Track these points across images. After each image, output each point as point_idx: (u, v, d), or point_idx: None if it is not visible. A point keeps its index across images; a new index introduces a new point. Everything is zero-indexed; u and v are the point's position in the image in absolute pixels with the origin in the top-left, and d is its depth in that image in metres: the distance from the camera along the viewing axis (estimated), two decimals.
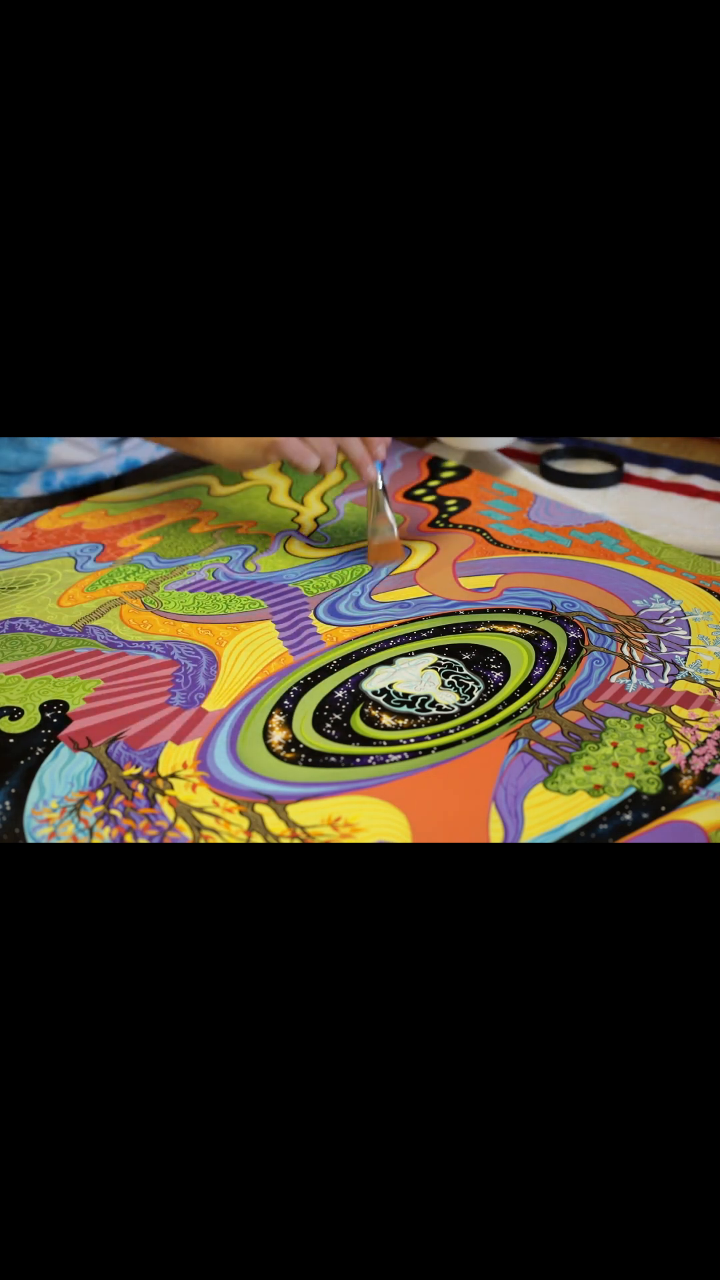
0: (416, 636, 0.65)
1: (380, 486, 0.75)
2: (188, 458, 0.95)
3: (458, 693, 0.59)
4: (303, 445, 0.73)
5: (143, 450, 0.95)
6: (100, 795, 0.51)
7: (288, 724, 0.57)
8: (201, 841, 0.48)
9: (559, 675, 0.61)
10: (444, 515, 0.83)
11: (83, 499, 0.88)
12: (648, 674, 0.61)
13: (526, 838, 0.48)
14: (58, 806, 0.50)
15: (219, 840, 0.48)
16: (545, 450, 0.95)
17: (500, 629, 0.66)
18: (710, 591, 0.70)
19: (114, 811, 0.50)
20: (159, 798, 0.51)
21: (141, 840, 0.48)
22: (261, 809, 0.50)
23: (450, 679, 0.61)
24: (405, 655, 0.63)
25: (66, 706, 0.58)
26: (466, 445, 0.96)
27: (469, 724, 0.56)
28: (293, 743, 0.55)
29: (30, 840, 0.48)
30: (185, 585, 0.72)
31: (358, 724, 0.57)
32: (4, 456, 0.86)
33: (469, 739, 0.55)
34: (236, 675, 0.61)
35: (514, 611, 0.68)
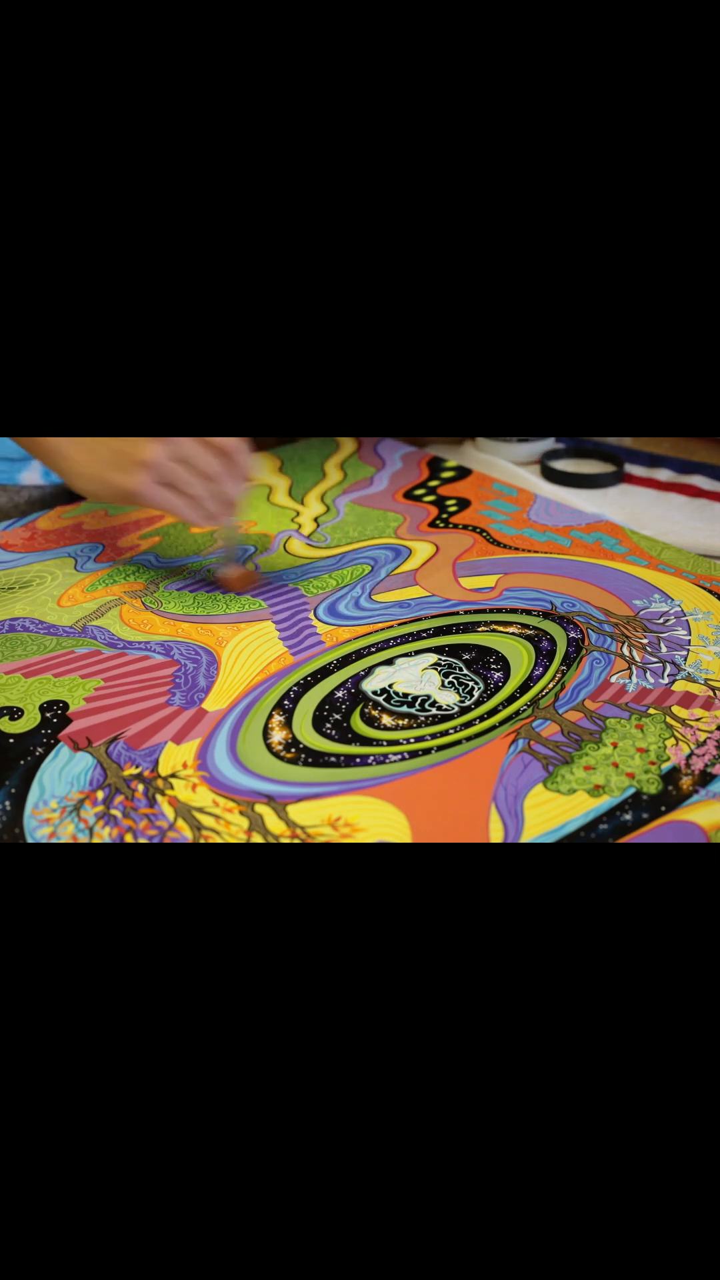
0: (416, 636, 0.65)
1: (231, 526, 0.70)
2: None
3: (458, 693, 0.59)
4: (169, 495, 0.63)
5: None
6: (100, 795, 0.51)
7: (288, 724, 0.57)
8: (201, 841, 0.48)
9: (559, 675, 0.61)
10: (444, 515, 0.83)
11: (78, 499, 0.88)
12: (648, 674, 0.61)
13: (526, 838, 0.48)
14: (58, 806, 0.50)
15: (219, 840, 0.48)
16: (544, 453, 0.95)
17: (500, 629, 0.66)
18: (710, 591, 0.70)
19: (114, 811, 0.50)
20: (159, 798, 0.51)
21: (141, 840, 0.48)
22: (261, 809, 0.50)
23: (450, 679, 0.60)
24: (405, 655, 0.63)
25: (66, 706, 0.58)
26: (483, 457, 0.96)
27: (469, 724, 0.56)
28: (293, 743, 0.55)
29: (30, 840, 0.48)
30: (185, 585, 0.72)
31: (358, 724, 0.57)
32: (4, 443, 0.86)
33: (469, 739, 0.55)
34: (236, 675, 0.61)
35: (514, 611, 0.68)
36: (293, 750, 0.55)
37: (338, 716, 0.57)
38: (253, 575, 0.72)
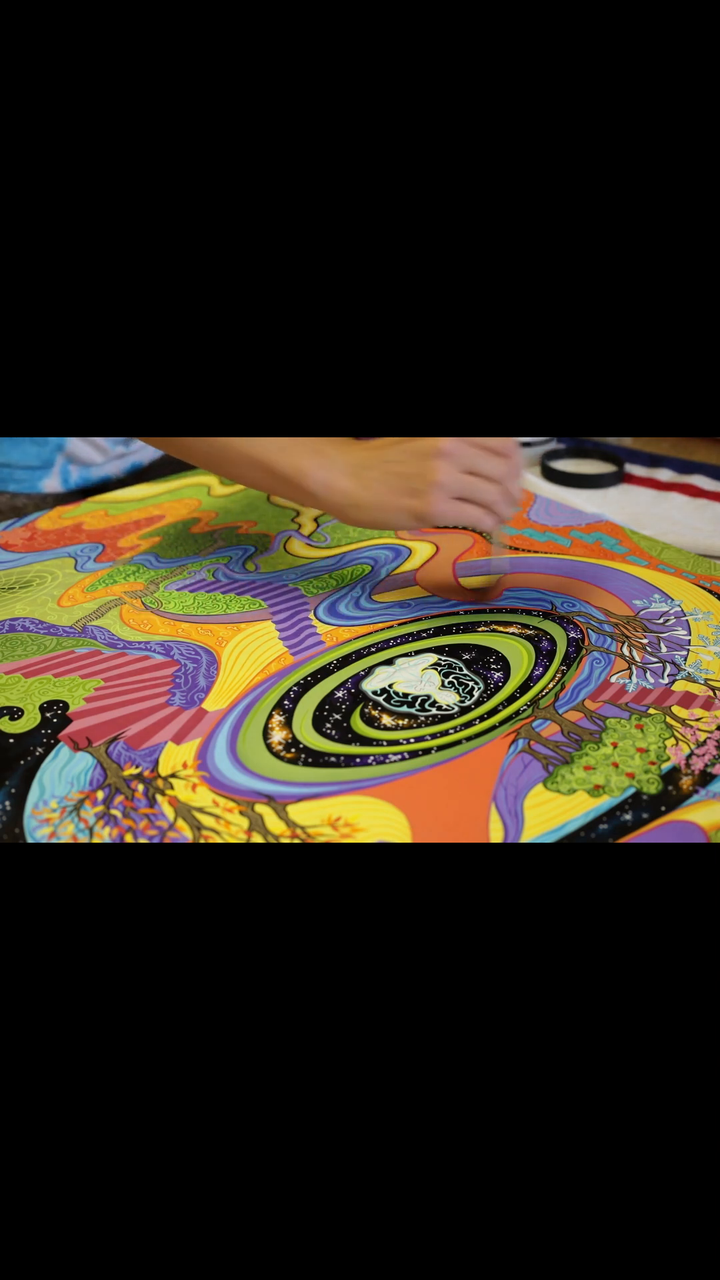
0: (416, 636, 0.65)
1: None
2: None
3: (458, 693, 0.59)
4: (463, 507, 0.62)
5: (144, 453, 0.95)
6: (100, 795, 0.51)
7: (288, 724, 0.57)
8: (201, 841, 0.48)
9: (559, 675, 0.61)
10: None
11: (85, 499, 0.88)
12: (648, 674, 0.61)
13: (526, 838, 0.48)
14: (58, 806, 0.50)
15: (219, 840, 0.48)
16: (546, 452, 0.95)
17: (500, 629, 0.66)
18: (710, 591, 0.70)
19: (114, 811, 0.50)
20: (159, 798, 0.51)
21: (141, 840, 0.48)
22: (261, 809, 0.50)
23: (450, 679, 0.60)
24: (405, 655, 0.63)
25: (66, 706, 0.58)
26: None
27: (469, 724, 0.56)
28: (293, 743, 0.55)
29: (30, 840, 0.48)
30: (185, 585, 0.72)
31: (358, 724, 0.57)
32: (25, 452, 0.86)
33: (469, 739, 0.55)
34: (236, 675, 0.61)
35: (514, 611, 0.68)
36: (293, 750, 0.55)
37: (338, 716, 0.57)
38: (500, 583, 0.71)
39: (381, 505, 0.62)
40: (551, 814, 0.50)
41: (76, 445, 0.88)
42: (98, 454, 0.90)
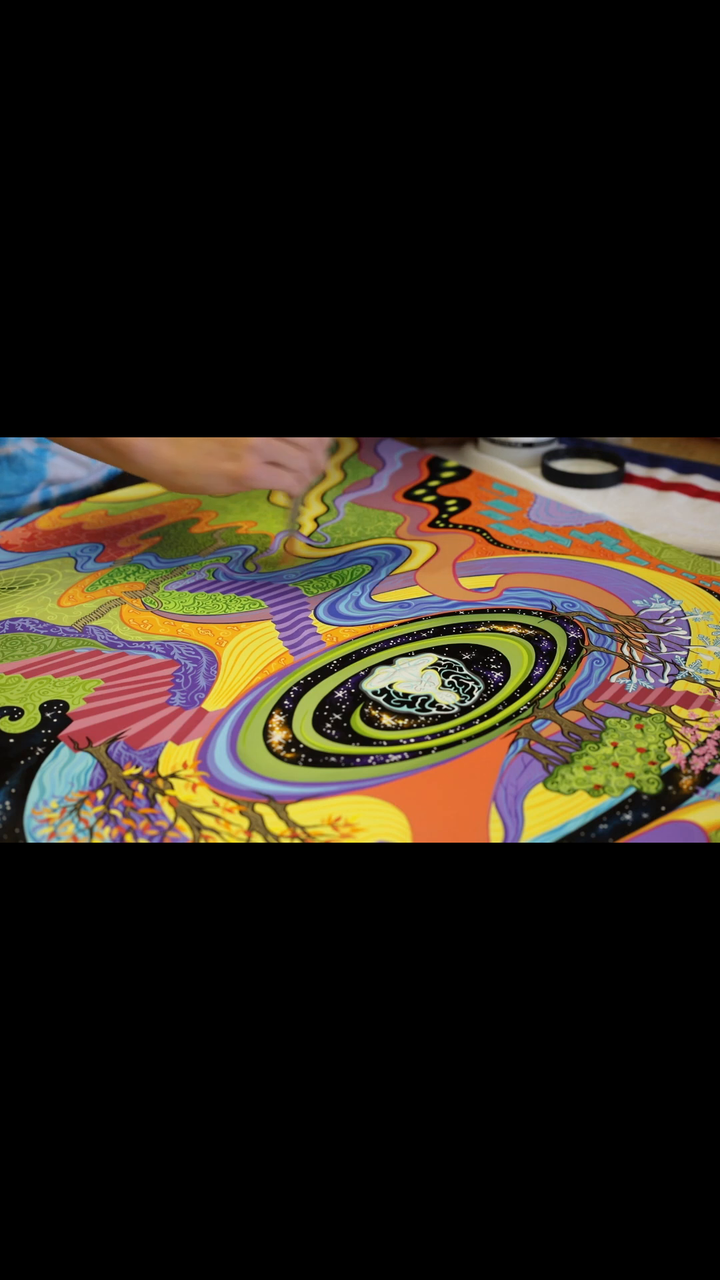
0: (416, 636, 0.65)
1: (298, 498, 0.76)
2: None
3: (458, 693, 0.59)
4: (275, 471, 0.69)
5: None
6: (100, 795, 0.51)
7: (288, 724, 0.57)
8: (201, 841, 0.48)
9: (559, 675, 0.61)
10: (444, 515, 0.83)
11: (78, 499, 0.88)
12: (648, 674, 0.61)
13: (526, 838, 0.48)
14: (58, 806, 0.50)
15: (219, 840, 0.48)
16: (547, 452, 0.95)
17: (500, 629, 0.66)
18: (710, 591, 0.70)
19: (114, 811, 0.50)
20: (159, 798, 0.51)
21: (141, 840, 0.48)
22: (261, 809, 0.50)
23: (450, 679, 0.61)
24: (405, 655, 0.63)
25: (66, 706, 0.58)
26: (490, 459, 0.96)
27: (469, 724, 0.56)
28: (293, 743, 0.55)
29: (30, 840, 0.48)
30: (185, 585, 0.72)
31: (358, 724, 0.57)
32: (4, 481, 0.86)
33: (469, 739, 0.55)
34: (236, 675, 0.61)
35: (514, 611, 0.68)
36: (293, 750, 0.55)
37: (338, 716, 0.57)
38: (291, 543, 0.78)
39: (200, 470, 0.68)
40: (551, 814, 0.50)
41: (59, 466, 0.88)
42: (80, 469, 0.90)
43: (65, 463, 0.88)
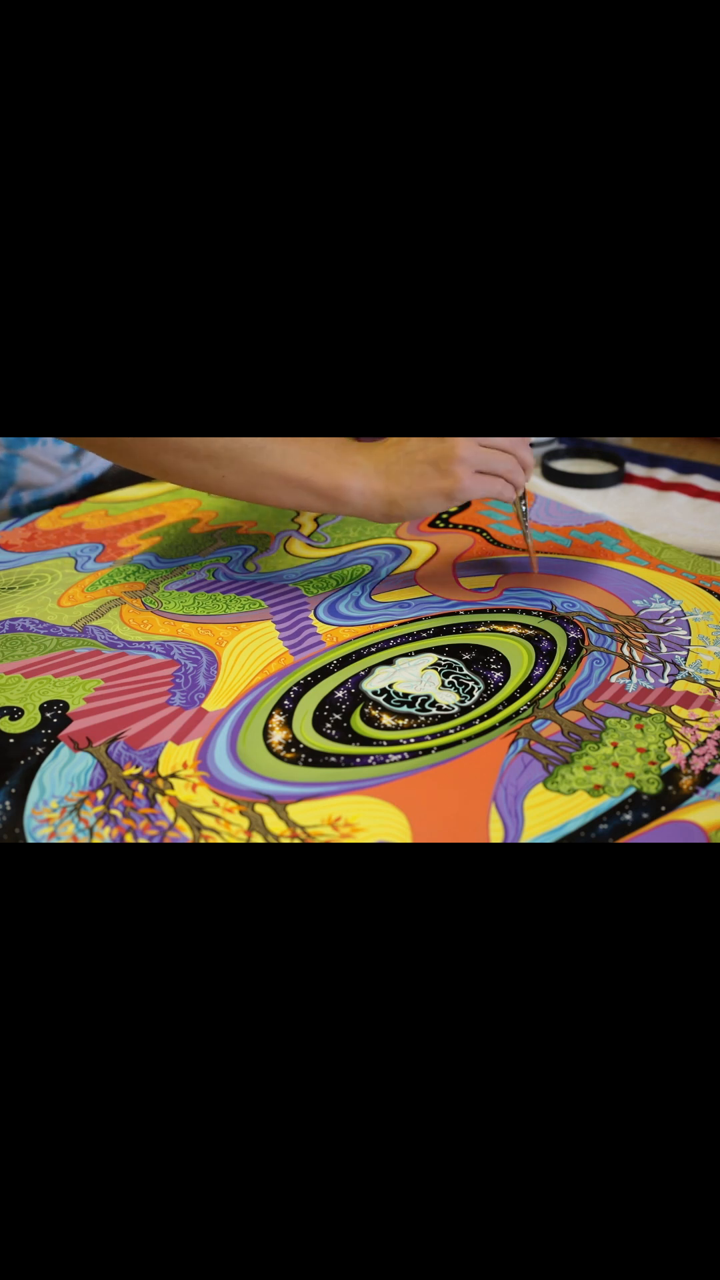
0: (416, 636, 0.65)
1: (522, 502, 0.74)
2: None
3: (458, 693, 0.59)
4: (486, 479, 0.67)
5: (96, 464, 0.95)
6: (100, 795, 0.51)
7: (288, 724, 0.57)
8: (201, 841, 0.48)
9: (559, 675, 0.61)
10: (444, 515, 0.83)
11: (78, 499, 0.88)
12: (648, 674, 0.61)
13: (526, 838, 0.48)
14: (58, 806, 0.50)
15: (219, 840, 0.48)
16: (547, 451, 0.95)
17: (500, 629, 0.66)
18: (710, 591, 0.70)
19: (114, 811, 0.50)
20: (159, 798, 0.51)
21: (141, 840, 0.48)
22: (261, 809, 0.50)
23: (450, 679, 0.61)
24: (405, 655, 0.63)
25: (66, 706, 0.58)
26: None
27: (469, 724, 0.56)
28: (293, 743, 0.55)
29: (30, 840, 0.48)
30: (185, 585, 0.72)
31: (358, 724, 0.57)
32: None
33: (469, 739, 0.55)
34: (236, 675, 0.61)
35: (514, 611, 0.68)
36: (293, 750, 0.55)
37: (338, 716, 0.57)
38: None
39: (415, 494, 0.66)
40: (551, 814, 0.50)
41: (29, 472, 0.88)
42: (50, 474, 0.90)
43: (35, 468, 0.88)
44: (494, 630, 0.66)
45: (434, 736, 0.55)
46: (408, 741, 0.55)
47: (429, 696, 0.59)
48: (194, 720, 0.57)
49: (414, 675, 0.61)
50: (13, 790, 0.52)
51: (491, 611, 0.68)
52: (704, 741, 0.55)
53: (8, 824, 0.49)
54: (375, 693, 0.59)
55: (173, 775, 0.53)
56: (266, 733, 0.56)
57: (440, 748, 0.55)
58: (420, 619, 0.67)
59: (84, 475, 0.93)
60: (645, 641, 0.64)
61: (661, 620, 0.67)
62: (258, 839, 0.48)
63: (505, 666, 0.62)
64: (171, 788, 0.52)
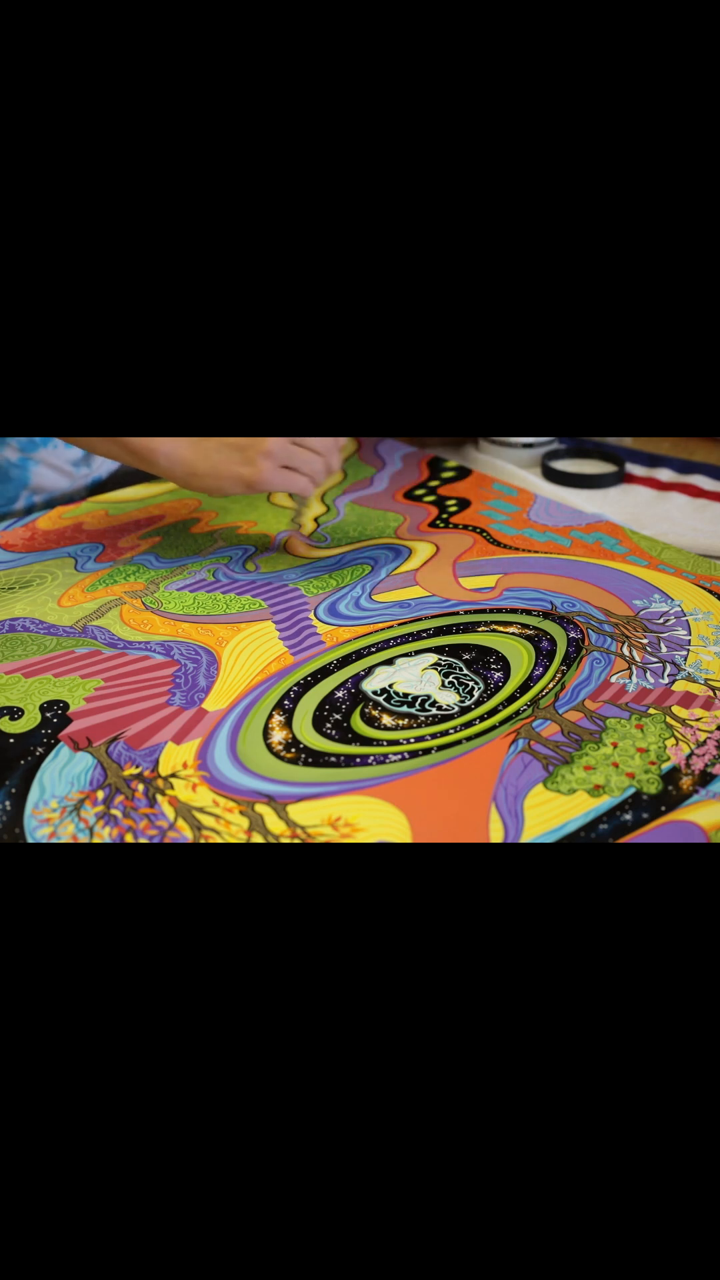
0: (416, 636, 0.65)
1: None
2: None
3: (458, 693, 0.59)
4: (289, 475, 0.70)
5: (104, 468, 0.95)
6: (100, 795, 0.51)
7: (288, 724, 0.57)
8: (201, 841, 0.48)
9: (559, 675, 0.61)
10: (444, 515, 0.83)
11: (79, 499, 0.88)
12: (648, 674, 0.61)
13: (526, 838, 0.48)
14: (58, 806, 0.50)
15: (219, 840, 0.48)
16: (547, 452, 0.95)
17: (500, 629, 0.66)
18: (710, 591, 0.70)
19: (114, 811, 0.50)
20: (159, 798, 0.51)
21: (141, 840, 0.48)
22: (261, 809, 0.50)
23: (450, 679, 0.61)
24: (405, 655, 0.63)
25: (67, 706, 0.58)
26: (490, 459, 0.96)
27: (469, 724, 0.56)
28: (293, 743, 0.55)
29: (30, 840, 0.48)
30: (185, 585, 0.72)
31: (358, 724, 0.57)
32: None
33: (469, 739, 0.55)
34: (236, 675, 0.61)
35: (514, 611, 0.68)
36: (293, 750, 0.55)
37: (338, 716, 0.57)
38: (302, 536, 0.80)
39: (215, 473, 0.70)
40: (551, 814, 0.50)
41: (43, 475, 0.88)
42: (63, 478, 0.90)
43: (49, 471, 0.88)
44: (494, 630, 0.66)
45: (434, 736, 0.55)
46: (408, 741, 0.55)
47: (429, 696, 0.59)
48: (194, 720, 0.57)
49: (414, 675, 0.61)
50: (13, 790, 0.52)
51: (491, 611, 0.68)
52: (704, 741, 0.55)
53: (8, 824, 0.49)
54: (375, 693, 0.59)
55: (173, 775, 0.53)
56: (266, 733, 0.56)
57: (440, 748, 0.55)
58: (420, 619, 0.67)
59: (94, 478, 0.94)
60: (645, 641, 0.64)
61: (661, 620, 0.67)
62: (258, 839, 0.48)
63: (505, 666, 0.62)
64: (171, 788, 0.52)
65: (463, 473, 0.91)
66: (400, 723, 0.57)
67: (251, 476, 0.69)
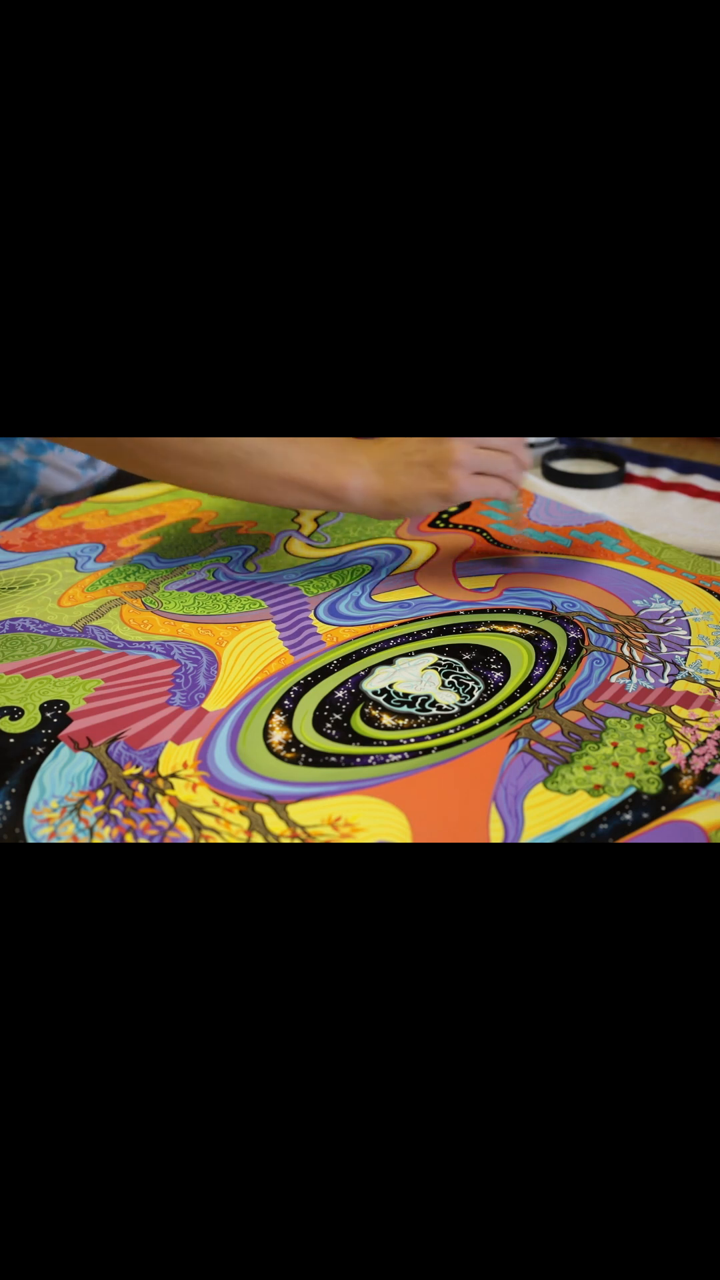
0: (416, 636, 0.65)
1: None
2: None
3: (458, 693, 0.59)
4: (483, 481, 0.67)
5: (106, 470, 0.95)
6: (100, 795, 0.51)
7: (288, 724, 0.57)
8: (201, 841, 0.48)
9: (559, 675, 0.61)
10: (444, 515, 0.83)
11: (79, 499, 0.88)
12: (648, 674, 0.61)
13: (526, 838, 0.48)
14: (58, 806, 0.50)
15: (219, 840, 0.48)
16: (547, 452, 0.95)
17: (500, 629, 0.66)
18: (710, 591, 0.70)
19: (114, 811, 0.50)
20: (159, 798, 0.51)
21: (141, 840, 0.48)
22: (261, 809, 0.50)
23: (450, 679, 0.61)
24: (405, 655, 0.63)
25: (67, 706, 0.58)
26: None
27: (469, 724, 0.56)
28: (293, 743, 0.55)
29: (30, 840, 0.48)
30: (185, 585, 0.72)
31: (358, 724, 0.57)
32: None
33: (469, 739, 0.55)
34: (236, 675, 0.61)
35: (514, 611, 0.68)
36: (293, 750, 0.55)
37: (338, 716, 0.57)
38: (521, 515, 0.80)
39: (412, 495, 0.68)
40: (551, 814, 0.50)
41: (49, 477, 0.89)
42: (69, 479, 0.90)
43: (54, 473, 0.89)
44: (494, 630, 0.66)
45: (434, 736, 0.55)
46: (408, 741, 0.55)
47: (429, 696, 0.59)
48: (194, 720, 0.57)
49: (414, 675, 0.61)
50: (13, 790, 0.52)
51: (491, 611, 0.68)
52: (704, 741, 0.55)
53: (8, 824, 0.49)
54: (375, 693, 0.59)
55: (173, 775, 0.53)
56: (267, 733, 0.56)
57: (440, 748, 0.55)
58: (420, 619, 0.67)
59: (99, 479, 0.94)
60: (645, 641, 0.64)
61: (661, 620, 0.67)
62: (258, 839, 0.48)
63: (505, 666, 0.62)
64: (172, 787, 0.52)
65: None
66: (400, 723, 0.57)
67: (447, 490, 0.67)
